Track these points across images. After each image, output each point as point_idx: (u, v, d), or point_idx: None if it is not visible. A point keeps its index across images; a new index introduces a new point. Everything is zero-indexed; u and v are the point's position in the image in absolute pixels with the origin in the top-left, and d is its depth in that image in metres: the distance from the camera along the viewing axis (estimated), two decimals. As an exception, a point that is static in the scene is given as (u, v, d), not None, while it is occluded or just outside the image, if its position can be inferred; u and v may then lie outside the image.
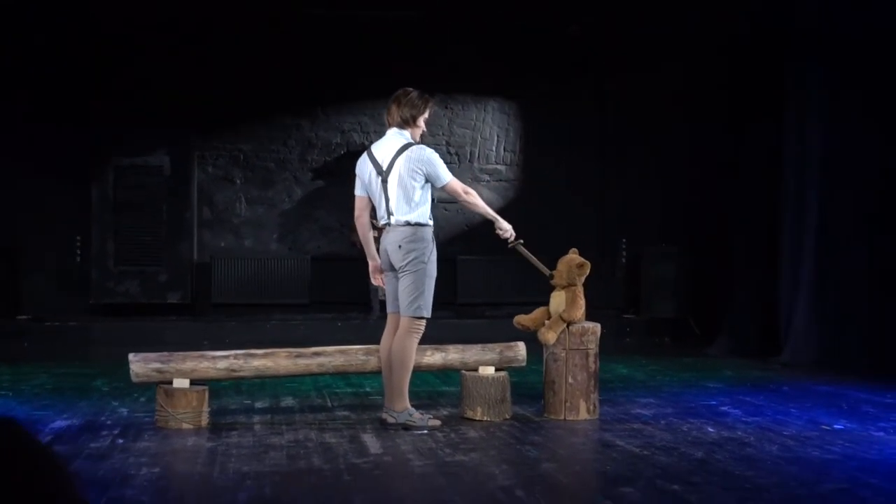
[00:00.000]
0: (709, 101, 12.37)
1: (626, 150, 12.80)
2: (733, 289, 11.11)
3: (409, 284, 6.12)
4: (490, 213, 6.39)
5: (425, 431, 6.10)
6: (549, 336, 6.51)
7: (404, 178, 6.11)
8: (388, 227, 6.24)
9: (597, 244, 12.65)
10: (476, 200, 6.28)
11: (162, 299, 11.66)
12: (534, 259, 6.64)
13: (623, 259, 12.77)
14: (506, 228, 6.43)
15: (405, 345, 6.15)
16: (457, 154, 12.67)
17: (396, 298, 6.26)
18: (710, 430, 6.23)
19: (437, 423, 6.27)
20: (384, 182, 6.19)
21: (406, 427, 6.15)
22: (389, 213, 6.18)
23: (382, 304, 11.65)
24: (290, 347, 6.68)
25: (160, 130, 11.68)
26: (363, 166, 6.31)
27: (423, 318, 6.15)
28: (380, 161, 6.22)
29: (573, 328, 6.56)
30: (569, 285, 6.62)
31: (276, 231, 12.36)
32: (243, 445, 5.70)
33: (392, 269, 6.23)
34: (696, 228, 12.62)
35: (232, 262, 11.95)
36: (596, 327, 6.66)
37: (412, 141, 6.21)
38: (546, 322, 6.62)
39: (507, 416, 6.58)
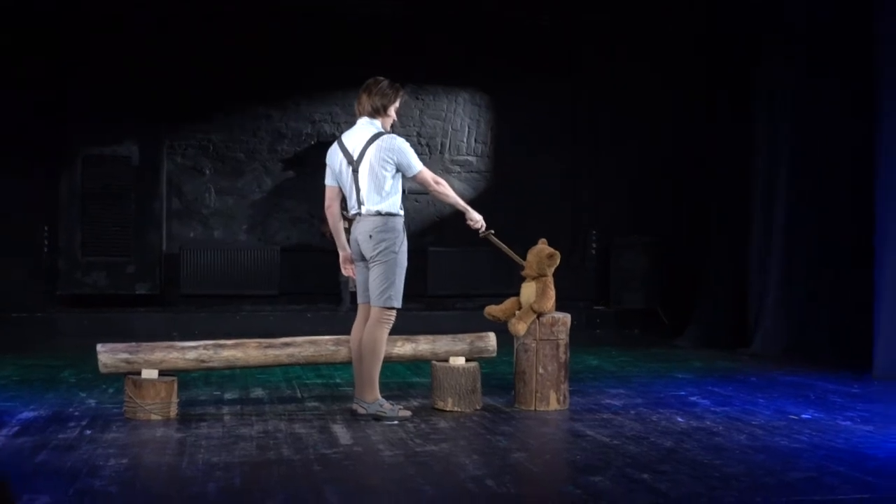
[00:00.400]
0: (681, 93, 12.43)
1: (598, 141, 12.84)
2: (703, 280, 11.17)
3: (379, 274, 6.11)
4: (461, 203, 6.40)
5: (396, 422, 6.10)
6: (519, 327, 6.52)
7: (375, 168, 6.10)
8: (358, 217, 6.22)
9: (568, 235, 12.69)
10: (446, 190, 6.30)
11: (130, 290, 11.59)
12: (506, 249, 6.65)
13: (593, 250, 12.81)
14: (476, 219, 6.44)
15: (376, 335, 6.15)
16: (427, 145, 12.67)
17: (367, 289, 6.26)
18: (680, 419, 6.27)
19: (408, 413, 6.28)
20: (355, 172, 6.18)
21: (377, 418, 6.15)
22: (360, 203, 6.17)
23: (353, 295, 11.62)
24: (259, 338, 6.65)
25: (129, 120, 11.59)
26: (334, 156, 6.29)
27: (393, 308, 6.15)
28: (350, 150, 6.21)
29: (543, 319, 6.57)
30: (539, 276, 6.63)
31: (245, 222, 12.31)
32: (213, 436, 5.68)
33: (363, 259, 6.23)
34: (667, 220, 12.70)
35: (201, 252, 11.89)
36: (566, 318, 6.68)
37: (383, 130, 6.20)
38: (516, 313, 6.63)
39: (478, 407, 6.58)
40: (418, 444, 5.50)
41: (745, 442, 5.58)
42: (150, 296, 11.68)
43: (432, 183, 6.22)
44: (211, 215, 12.23)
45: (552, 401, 6.56)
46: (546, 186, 12.74)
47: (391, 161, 6.08)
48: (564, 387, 6.63)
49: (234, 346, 6.45)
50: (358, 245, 6.23)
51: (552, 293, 6.61)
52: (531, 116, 12.75)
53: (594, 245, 12.84)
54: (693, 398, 7.14)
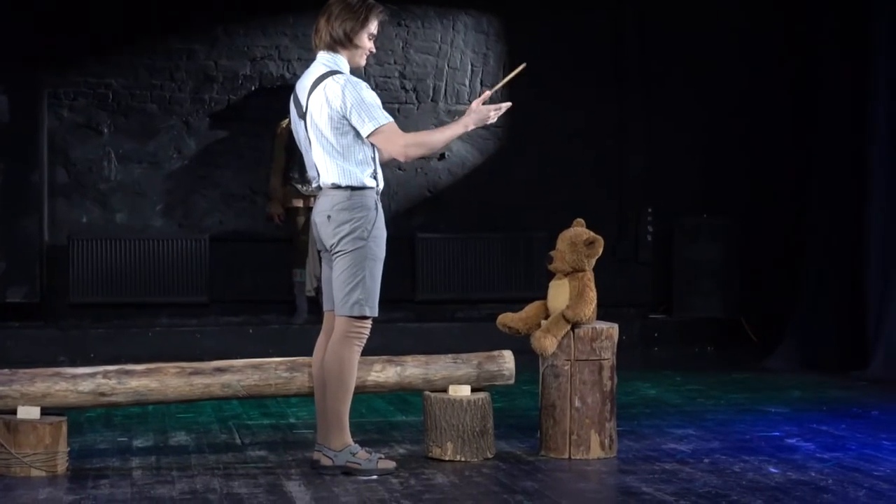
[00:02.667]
0: (769, 21, 12.44)
1: (653, 86, 12.83)
2: (802, 278, 11.17)
3: (343, 271, 6.11)
4: (454, 130, 6.28)
5: (374, 477, 6.10)
6: (546, 342, 6.52)
7: (320, 123, 6.11)
8: (318, 193, 6.24)
9: (614, 216, 12.70)
10: (426, 140, 6.25)
11: (-1, 297, 11.60)
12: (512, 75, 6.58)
13: (649, 236, 12.81)
14: (484, 114, 6.34)
15: (342, 355, 6.15)
16: (414, 90, 12.67)
17: (329, 290, 6.27)
18: (773, 470, 6.26)
19: (392, 465, 6.27)
20: (306, 129, 6.20)
21: (348, 471, 6.15)
22: (317, 173, 6.18)
23: (311, 300, 11.71)
24: (182, 362, 6.65)
25: (-6, 59, 11.60)
26: (290, 108, 6.31)
27: (365, 318, 6.16)
28: (301, 100, 6.23)
29: (580, 331, 6.57)
30: (574, 271, 6.63)
31: (160, 201, 12.30)
32: (117, 499, 5.66)
33: (326, 249, 6.23)
34: (752, 196, 12.70)
35: (98, 244, 11.88)
36: (612, 330, 6.68)
37: (336, 68, 6.18)
38: (542, 323, 6.63)
39: (489, 455, 6.58)
40: (407, 507, 5.52)
41: (865, 500, 5.58)
42: (26, 305, 11.66)
43: (399, 147, 6.08)
44: (111, 192, 12.22)
45: (594, 446, 6.56)
46: (581, 149, 12.74)
47: (340, 113, 6.05)
48: (610, 426, 6.63)
49: (147, 374, 6.44)
50: (317, 230, 6.23)
51: (592, 296, 6.60)
52: (560, 50, 12.73)
53: (650, 230, 12.84)
54: (791, 441, 7.13)
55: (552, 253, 6.67)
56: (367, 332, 6.20)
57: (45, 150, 11.93)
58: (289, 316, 11.87)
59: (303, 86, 6.22)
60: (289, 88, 11.96)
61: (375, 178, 6.17)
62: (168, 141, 12.30)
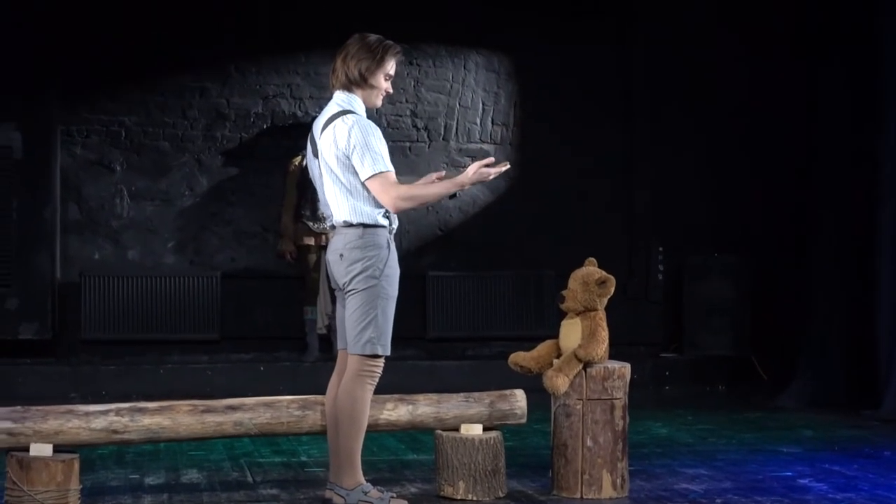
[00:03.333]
0: (775, 58, 12.46)
1: (662, 122, 12.85)
2: (813, 316, 11.16)
3: (356, 309, 6.12)
4: (445, 187, 6.29)
5: None
6: (558, 382, 6.51)
7: (330, 162, 6.14)
8: (332, 232, 6.27)
9: (624, 254, 12.70)
10: (418, 194, 6.18)
11: (11, 334, 11.58)
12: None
13: (660, 275, 12.81)
14: (476, 176, 6.32)
15: (354, 394, 6.15)
16: (426, 129, 12.69)
17: (343, 328, 6.29)
18: (785, 511, 6.26)
19: (403, 503, 6.27)
20: (320, 168, 6.24)
21: None
22: (330, 212, 6.23)
23: (323, 338, 11.70)
24: (194, 400, 6.65)
25: (7, 96, 11.61)
26: (308, 146, 6.35)
27: (377, 356, 6.16)
28: (315, 139, 6.27)
29: (592, 370, 6.56)
30: (586, 310, 6.63)
31: (172, 238, 12.32)
32: (130, 537, 5.68)
33: (340, 288, 6.25)
34: (762, 233, 12.69)
35: (110, 281, 11.89)
36: (624, 369, 6.67)
37: (349, 109, 6.21)
38: (554, 362, 6.63)
39: (501, 495, 6.57)
40: (419, 546, 5.51)
41: (879, 541, 5.58)
42: (38, 342, 11.67)
43: (391, 197, 6.05)
44: (123, 229, 12.25)
45: (606, 485, 6.55)
46: (592, 186, 12.75)
47: (344, 153, 6.08)
48: (622, 466, 6.62)
49: (159, 412, 6.43)
50: (330, 269, 6.26)
51: (605, 335, 6.60)
52: (569, 88, 12.76)
53: (661, 268, 12.83)
54: (803, 481, 7.12)
55: (564, 292, 6.67)
56: (380, 370, 6.19)
57: (58, 186, 11.96)
58: (300, 353, 11.86)
59: (318, 124, 6.26)
60: (301, 127, 12.15)
61: (388, 217, 6.18)
62: (180, 178, 12.33)
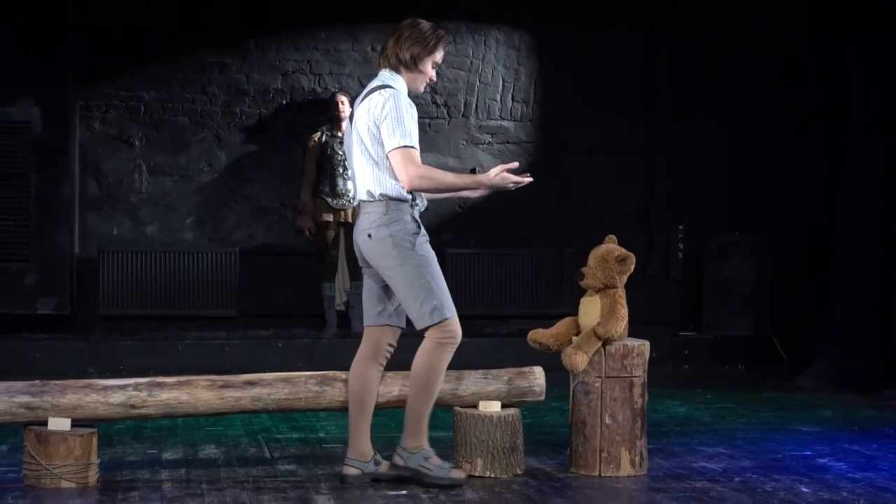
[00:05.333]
0: (803, 36, 12.42)
1: (683, 101, 12.82)
2: (834, 297, 11.15)
3: (404, 286, 6.18)
4: (464, 180, 6.40)
5: (445, 484, 6.16)
6: (577, 359, 6.51)
7: (361, 132, 6.24)
8: (357, 210, 6.33)
9: (644, 232, 12.68)
10: (437, 177, 6.22)
11: (30, 309, 11.62)
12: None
13: (679, 254, 12.80)
14: (497, 180, 6.35)
15: (434, 361, 6.23)
16: (445, 106, 12.68)
17: (377, 304, 6.35)
18: (805, 490, 6.25)
19: (463, 475, 6.34)
20: (352, 139, 6.33)
21: (417, 475, 6.21)
22: (356, 185, 6.29)
23: (341, 314, 11.72)
24: (212, 375, 6.67)
25: (26, 72, 11.63)
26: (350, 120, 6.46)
27: (446, 320, 6.19)
28: (355, 109, 6.38)
29: (611, 348, 6.57)
30: (605, 288, 6.63)
31: (190, 214, 12.34)
32: (148, 511, 5.70)
33: (368, 265, 6.31)
34: (782, 213, 12.67)
35: (128, 257, 11.92)
36: (644, 347, 6.67)
37: (390, 85, 6.25)
38: (573, 339, 6.63)
39: (519, 472, 6.58)
40: (436, 522, 5.52)
41: (898, 521, 5.58)
42: (57, 316, 11.71)
43: (411, 173, 6.08)
44: (142, 204, 12.26)
45: (624, 463, 6.55)
46: (612, 164, 12.73)
47: (375, 123, 6.17)
48: (641, 444, 6.63)
49: (177, 386, 6.46)
50: (359, 248, 6.31)
51: (624, 312, 6.60)
52: (590, 66, 12.74)
53: (681, 247, 12.82)
54: (823, 460, 7.12)
55: (583, 269, 6.67)
56: (457, 331, 6.27)
57: (77, 162, 11.98)
58: (318, 330, 11.89)
59: (359, 97, 6.35)
60: (319, 103, 12.15)
61: (412, 193, 6.19)
62: (199, 154, 12.33)
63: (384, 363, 6.43)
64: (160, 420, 7.27)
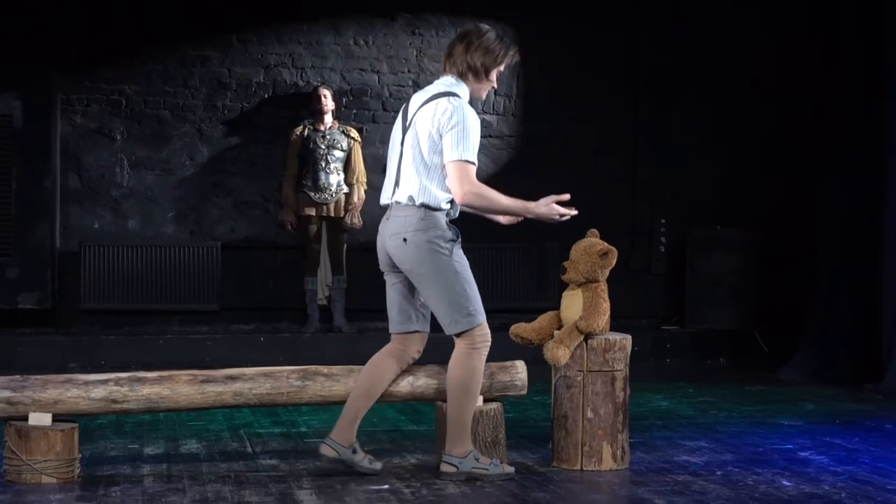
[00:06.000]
0: (789, 30, 12.44)
1: (666, 95, 12.84)
2: (816, 291, 11.17)
3: (439, 292, 6.18)
4: (516, 205, 6.39)
5: (499, 481, 6.19)
6: (559, 353, 6.52)
7: (421, 136, 6.18)
8: (388, 210, 6.28)
9: (627, 226, 12.70)
10: (491, 196, 6.23)
11: (10, 304, 11.60)
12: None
13: (662, 247, 12.82)
14: (548, 212, 6.43)
15: (472, 366, 6.24)
16: (428, 99, 12.67)
17: (402, 311, 6.34)
18: (786, 483, 6.26)
19: (511, 470, 6.36)
20: (402, 140, 6.29)
21: (473, 477, 6.21)
22: (396, 186, 6.24)
23: (323, 309, 11.72)
24: (193, 370, 6.66)
25: (8, 66, 11.60)
26: (398, 118, 6.42)
27: (475, 326, 6.22)
28: (409, 112, 6.33)
29: (593, 342, 6.57)
30: (587, 282, 6.63)
31: (172, 208, 12.32)
32: (129, 506, 5.69)
33: (394, 269, 6.30)
34: (765, 207, 12.69)
35: (110, 251, 11.90)
36: (625, 341, 6.68)
37: (455, 92, 6.22)
38: (555, 333, 6.63)
39: (501, 466, 6.60)
40: (418, 517, 5.52)
41: (879, 514, 5.59)
42: (38, 311, 11.69)
43: (466, 188, 6.08)
44: (123, 198, 12.25)
45: (606, 457, 6.56)
46: (595, 158, 12.75)
47: (438, 131, 6.12)
48: (623, 437, 6.63)
49: (158, 381, 6.45)
50: (387, 251, 6.28)
51: (606, 306, 6.61)
52: (574, 60, 12.75)
53: (663, 241, 12.85)
54: (804, 454, 7.12)
55: (566, 263, 6.67)
56: (488, 335, 6.29)
57: (58, 155, 11.96)
58: (300, 324, 11.89)
59: (417, 99, 6.32)
60: (302, 96, 12.15)
61: (451, 205, 6.21)
62: (181, 148, 12.32)
63: (405, 367, 6.44)
64: (142, 415, 7.25)
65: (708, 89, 12.75)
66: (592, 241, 6.71)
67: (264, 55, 12.41)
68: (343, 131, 11.78)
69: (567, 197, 6.49)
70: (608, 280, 6.68)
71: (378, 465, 6.32)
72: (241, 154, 12.35)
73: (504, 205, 6.34)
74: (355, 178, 11.71)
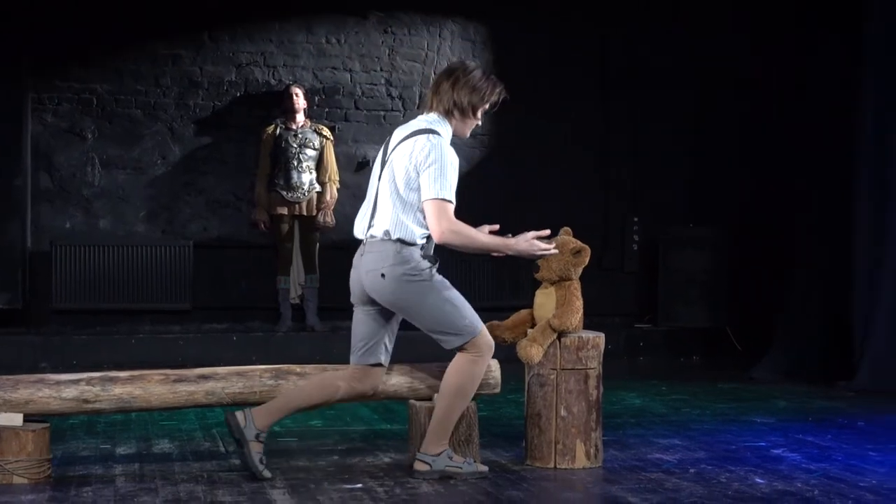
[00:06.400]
0: (757, 31, 12.47)
1: (639, 93, 12.86)
2: (788, 289, 11.20)
3: (430, 315, 6.18)
4: (494, 243, 6.36)
5: (472, 479, 6.19)
6: (532, 351, 6.52)
7: (397, 172, 6.18)
8: (363, 244, 6.28)
9: (599, 225, 12.73)
10: (469, 235, 6.21)
11: (-19, 303, 11.58)
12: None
13: (635, 246, 12.84)
14: (529, 248, 6.40)
15: (472, 371, 6.23)
16: (400, 98, 12.67)
17: (368, 344, 6.32)
18: (759, 481, 6.27)
19: (485, 468, 6.37)
20: (380, 175, 6.29)
21: (446, 475, 6.22)
22: (371, 220, 6.25)
23: (296, 308, 11.70)
24: (166, 369, 6.64)
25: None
26: (378, 153, 6.41)
27: (476, 335, 6.21)
28: (390, 145, 6.33)
29: (566, 340, 6.57)
30: (560, 280, 6.63)
31: (144, 207, 12.29)
32: (101, 507, 5.67)
33: (369, 303, 6.29)
34: (737, 205, 12.73)
35: (81, 250, 11.87)
36: (599, 339, 6.68)
37: (437, 130, 6.21)
38: (529, 332, 6.64)
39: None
40: (392, 515, 5.51)
41: (851, 511, 5.60)
42: (8, 311, 11.65)
43: (444, 226, 6.08)
44: (95, 197, 12.21)
45: (579, 455, 6.56)
46: (568, 156, 12.77)
47: (415, 168, 6.12)
48: (596, 435, 6.64)
49: (130, 381, 6.43)
50: (361, 286, 6.26)
51: (579, 304, 6.61)
52: (546, 59, 12.77)
53: (636, 239, 12.87)
54: (777, 451, 7.15)
55: (539, 262, 6.66)
56: (490, 341, 6.28)
57: (29, 155, 11.93)
58: (273, 323, 11.87)
59: (398, 135, 6.31)
60: (274, 95, 12.14)
61: (427, 240, 6.21)
62: (152, 147, 12.29)
63: (352, 397, 6.41)
64: (113, 415, 7.23)
65: (681, 87, 12.78)
66: (566, 239, 6.71)
67: (236, 54, 12.39)
68: (315, 130, 11.76)
69: (547, 232, 6.51)
70: (581, 278, 6.68)
71: (267, 473, 6.23)
72: (213, 153, 12.33)
73: (483, 243, 6.33)
74: (328, 176, 11.70)
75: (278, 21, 12.37)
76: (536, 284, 6.75)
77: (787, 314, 11.11)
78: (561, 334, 6.56)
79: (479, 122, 6.42)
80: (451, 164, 6.14)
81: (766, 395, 9.60)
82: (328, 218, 11.62)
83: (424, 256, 6.18)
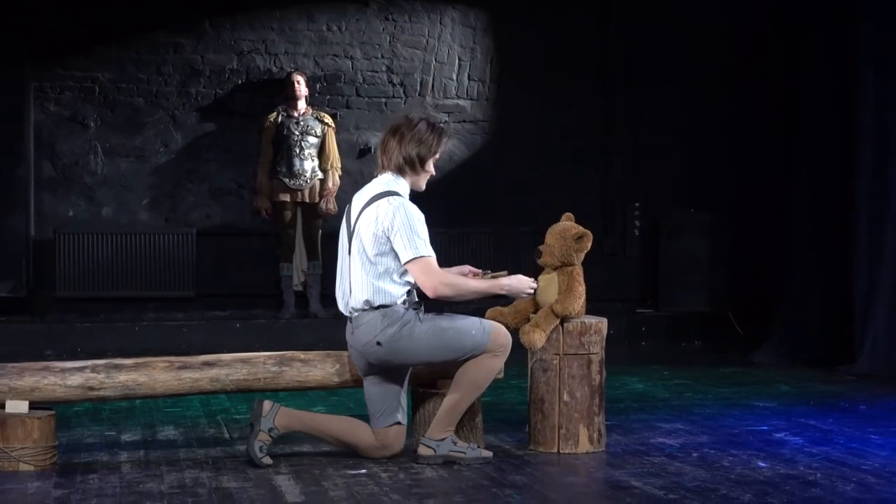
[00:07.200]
0: (755, 16, 12.46)
1: (640, 79, 12.85)
2: (789, 274, 11.20)
3: (437, 349, 6.22)
4: (487, 287, 6.41)
5: (477, 464, 6.20)
6: (535, 337, 6.52)
7: (365, 240, 6.21)
8: (350, 321, 6.31)
9: (600, 210, 12.72)
10: (460, 284, 6.29)
11: (-15, 292, 11.59)
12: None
13: (636, 231, 12.84)
14: (519, 286, 6.41)
15: (490, 365, 6.26)
16: (401, 85, 12.66)
17: (384, 405, 6.34)
18: (762, 465, 6.29)
19: (489, 454, 6.38)
20: (349, 247, 6.31)
21: (450, 460, 6.23)
22: (349, 293, 6.28)
23: (299, 294, 11.71)
24: (170, 356, 6.65)
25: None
26: (343, 221, 6.44)
27: (485, 346, 6.23)
28: (352, 213, 6.34)
29: (569, 325, 6.58)
30: (563, 265, 6.63)
31: (146, 195, 12.29)
32: (106, 493, 5.67)
33: (376, 371, 6.33)
34: (738, 190, 12.73)
35: (84, 238, 11.87)
36: (601, 324, 6.69)
37: (395, 191, 6.24)
38: (531, 317, 6.64)
39: (478, 450, 6.61)
40: (396, 501, 5.50)
41: (853, 494, 5.61)
42: (12, 299, 11.65)
43: (434, 282, 6.15)
44: (97, 186, 12.21)
45: (582, 440, 6.57)
46: (569, 142, 12.76)
47: (384, 233, 6.14)
48: (599, 420, 6.65)
49: (135, 368, 6.44)
50: (362, 357, 6.31)
51: (581, 290, 6.61)
52: (546, 45, 12.75)
53: (637, 224, 12.86)
54: (779, 435, 7.15)
55: (541, 247, 6.67)
56: (506, 339, 6.31)
57: (32, 143, 11.92)
58: (276, 310, 11.87)
59: (358, 201, 6.34)
60: (275, 82, 12.13)
61: (408, 294, 6.26)
62: (155, 135, 12.28)
63: (375, 455, 6.40)
64: (118, 402, 7.25)
65: (681, 72, 12.76)
66: (567, 224, 6.71)
67: (237, 41, 12.38)
68: (317, 117, 11.76)
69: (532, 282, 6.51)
70: (583, 263, 6.69)
71: (266, 461, 6.24)
72: (216, 141, 12.33)
73: (474, 288, 6.38)
74: (330, 163, 11.71)
75: (279, 9, 12.36)
76: (538, 270, 6.75)
77: (789, 299, 11.10)
78: (563, 320, 6.57)
79: (433, 173, 6.43)
80: (419, 220, 6.20)
81: (767, 380, 9.60)
82: (330, 205, 11.63)
83: (408, 306, 6.23)
